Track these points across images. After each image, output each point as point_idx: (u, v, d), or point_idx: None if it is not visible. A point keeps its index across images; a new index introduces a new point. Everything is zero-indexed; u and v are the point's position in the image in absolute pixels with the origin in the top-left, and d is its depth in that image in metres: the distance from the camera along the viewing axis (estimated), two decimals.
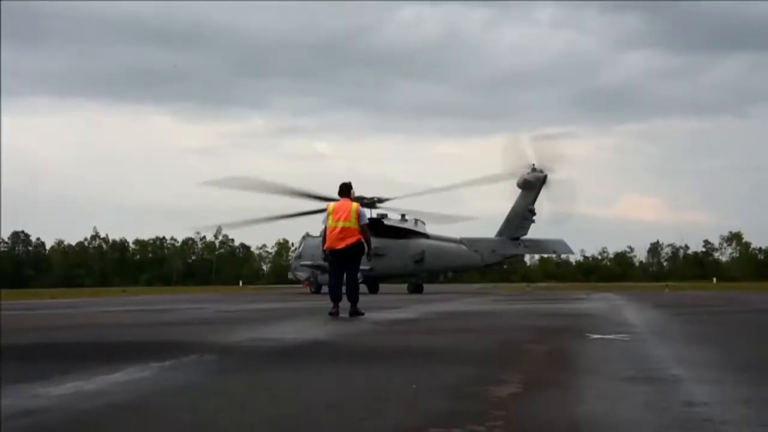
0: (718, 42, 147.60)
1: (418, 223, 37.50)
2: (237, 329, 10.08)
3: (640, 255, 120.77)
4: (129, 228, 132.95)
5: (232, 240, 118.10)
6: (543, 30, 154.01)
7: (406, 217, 37.40)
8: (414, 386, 4.78)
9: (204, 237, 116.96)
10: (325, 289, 36.89)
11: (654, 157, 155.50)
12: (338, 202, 13.08)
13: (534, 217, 37.39)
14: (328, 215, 12.90)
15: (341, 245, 12.67)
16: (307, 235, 38.93)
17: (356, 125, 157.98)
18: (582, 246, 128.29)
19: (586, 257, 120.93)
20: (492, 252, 37.59)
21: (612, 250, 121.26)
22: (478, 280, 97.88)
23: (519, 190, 37.48)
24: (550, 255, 47.34)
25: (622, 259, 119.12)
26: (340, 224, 12.68)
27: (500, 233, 38.00)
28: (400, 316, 13.42)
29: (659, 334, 9.11)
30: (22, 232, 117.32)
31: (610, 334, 8.81)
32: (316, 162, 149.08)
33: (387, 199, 37.27)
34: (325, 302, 20.96)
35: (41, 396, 4.47)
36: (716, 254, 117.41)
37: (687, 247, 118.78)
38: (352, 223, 12.67)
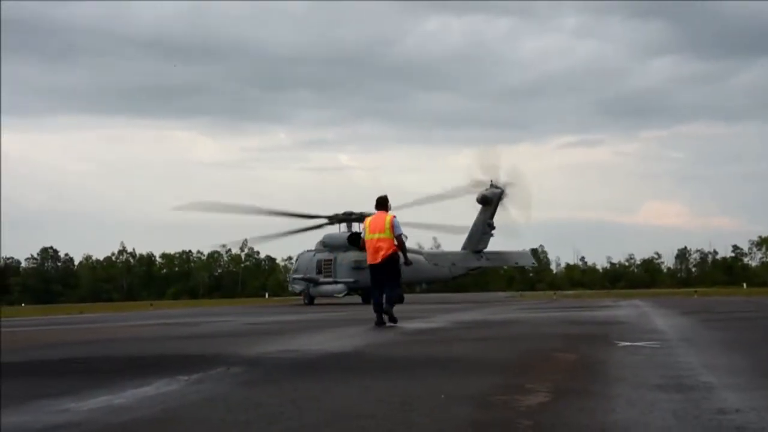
0: (743, 47, 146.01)
1: None
2: (263, 341, 10.11)
3: (668, 261, 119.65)
4: (155, 242, 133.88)
5: (258, 253, 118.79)
6: (566, 38, 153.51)
7: None
8: (441, 396, 4.76)
9: (230, 250, 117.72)
10: (317, 300, 39.14)
11: (679, 163, 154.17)
12: (374, 216, 13.44)
13: (493, 231, 39.13)
14: (364, 229, 13.36)
15: (378, 258, 13.07)
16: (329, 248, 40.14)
17: (378, 136, 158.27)
18: (608, 253, 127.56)
19: (612, 264, 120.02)
20: (452, 265, 39.38)
21: (639, 257, 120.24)
22: (503, 288, 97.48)
23: (479, 206, 39.16)
24: (512, 266, 48.73)
25: (650, 266, 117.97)
26: (376, 236, 13.08)
27: (464, 247, 39.75)
28: (426, 325, 13.38)
29: (689, 341, 9.00)
30: (51, 247, 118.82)
31: (638, 342, 8.72)
32: (338, 174, 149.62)
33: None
34: (337, 314, 20.98)
35: (71, 410, 4.51)
36: (746, 259, 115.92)
37: (715, 253, 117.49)
38: (387, 234, 13.03)
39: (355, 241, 38.36)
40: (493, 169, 38.96)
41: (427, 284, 47.53)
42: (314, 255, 40.11)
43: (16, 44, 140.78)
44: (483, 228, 38.48)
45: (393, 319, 13.05)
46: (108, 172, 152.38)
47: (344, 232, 39.27)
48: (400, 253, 13.36)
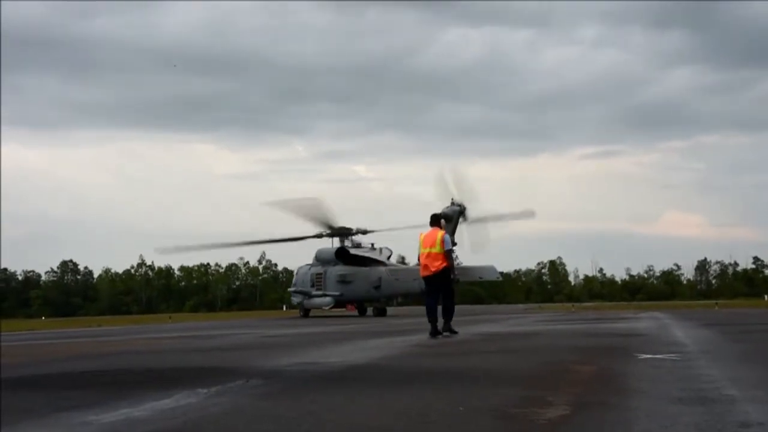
0: (762, 57, 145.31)
1: (383, 251, 41.01)
2: (281, 354, 10.12)
3: (688, 273, 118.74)
4: (174, 255, 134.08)
5: (275, 265, 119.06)
6: (586, 49, 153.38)
7: (375, 246, 41.27)
8: (460, 408, 4.74)
9: (247, 262, 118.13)
10: (311, 312, 40.28)
11: (699, 173, 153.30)
12: (428, 232, 14.02)
13: (454, 248, 39.20)
14: (419, 244, 14.04)
15: (431, 271, 13.73)
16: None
17: (396, 148, 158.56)
18: (627, 264, 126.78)
19: (631, 276, 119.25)
20: (414, 280, 39.36)
21: (658, 269, 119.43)
22: (522, 300, 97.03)
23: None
24: (477, 280, 48.98)
25: (669, 277, 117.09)
26: (428, 251, 13.75)
27: None
28: (446, 337, 13.33)
29: (710, 353, 8.92)
30: (71, 261, 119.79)
31: (659, 354, 8.65)
32: (355, 185, 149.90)
33: (371, 231, 41.41)
34: (354, 326, 20.93)
35: (92, 423, 4.54)
36: (767, 271, 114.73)
37: (736, 264, 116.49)
38: (438, 249, 13.68)
39: (342, 255, 39.29)
40: (457, 186, 39.04)
41: (403, 298, 48.72)
42: (309, 269, 41.81)
43: (40, 58, 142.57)
44: None
45: (452, 331, 13.67)
46: (127, 185, 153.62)
47: (335, 246, 40.17)
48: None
